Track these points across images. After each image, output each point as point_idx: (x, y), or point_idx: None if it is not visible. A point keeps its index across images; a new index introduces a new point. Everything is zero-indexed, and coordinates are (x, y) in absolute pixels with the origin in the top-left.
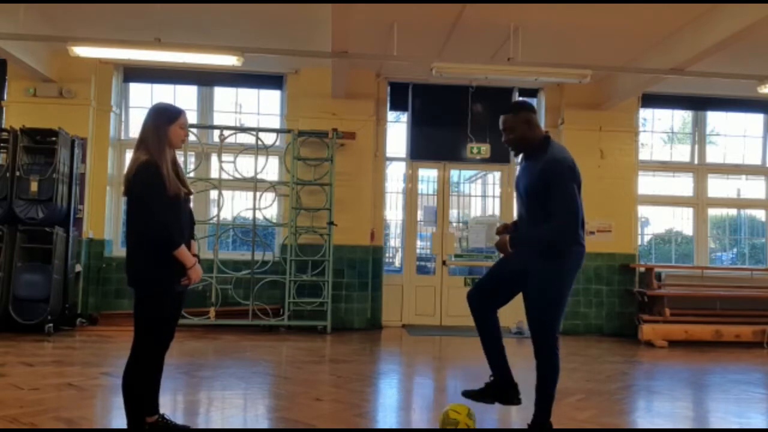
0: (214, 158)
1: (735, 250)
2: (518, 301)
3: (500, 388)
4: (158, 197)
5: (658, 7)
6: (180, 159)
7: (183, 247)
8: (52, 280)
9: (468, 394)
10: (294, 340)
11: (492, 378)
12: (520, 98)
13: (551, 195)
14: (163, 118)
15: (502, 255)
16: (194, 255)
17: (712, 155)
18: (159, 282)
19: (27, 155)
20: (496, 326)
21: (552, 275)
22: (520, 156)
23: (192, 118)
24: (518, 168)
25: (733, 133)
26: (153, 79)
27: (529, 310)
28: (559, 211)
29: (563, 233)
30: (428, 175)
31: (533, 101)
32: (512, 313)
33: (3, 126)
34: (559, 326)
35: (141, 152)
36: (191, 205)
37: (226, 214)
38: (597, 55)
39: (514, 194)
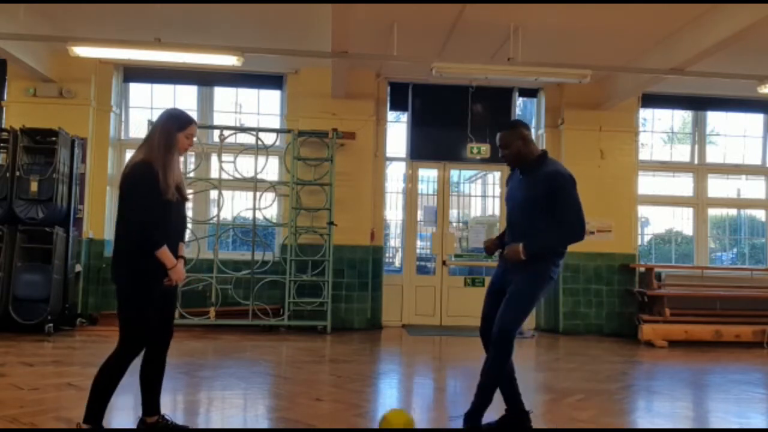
0: (214, 158)
1: (735, 250)
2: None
3: (514, 419)
4: (145, 197)
5: (658, 7)
6: (180, 159)
7: (165, 248)
8: (52, 280)
9: (486, 428)
10: (294, 340)
11: (506, 411)
12: (516, 119)
13: (557, 204)
14: (174, 124)
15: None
16: (180, 256)
17: (712, 155)
18: (141, 281)
19: (27, 155)
20: (510, 362)
21: (536, 275)
22: (516, 170)
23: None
24: (510, 182)
25: (733, 133)
26: (153, 79)
27: (506, 306)
28: (569, 216)
29: (575, 235)
30: (428, 175)
31: (533, 101)
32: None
33: (3, 126)
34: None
35: (140, 152)
36: (188, 208)
37: (226, 214)
38: (597, 55)
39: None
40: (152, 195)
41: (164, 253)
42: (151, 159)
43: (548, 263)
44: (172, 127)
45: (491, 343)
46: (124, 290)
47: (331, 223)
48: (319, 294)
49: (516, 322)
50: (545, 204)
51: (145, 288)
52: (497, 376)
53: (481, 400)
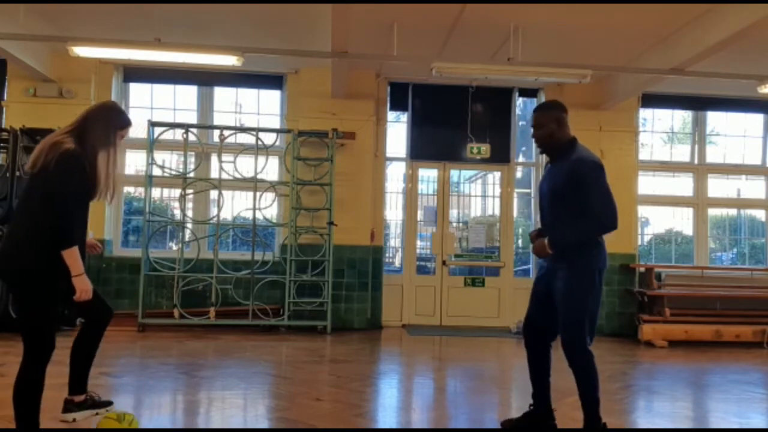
0: (214, 158)
1: (735, 250)
2: (516, 300)
3: (539, 418)
4: (75, 189)
5: (658, 7)
6: (180, 159)
7: (76, 250)
8: None
9: (507, 424)
10: (294, 340)
11: (531, 407)
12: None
13: (585, 193)
14: (118, 121)
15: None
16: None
17: (712, 155)
18: (49, 278)
19: (27, 155)
20: (547, 361)
21: (577, 274)
22: (546, 159)
23: (192, 118)
24: (543, 172)
25: (733, 133)
26: (153, 79)
27: (561, 321)
28: (595, 205)
29: (604, 225)
30: (428, 175)
31: (533, 101)
32: (512, 313)
33: (3, 126)
34: (587, 330)
35: (71, 138)
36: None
37: (226, 214)
38: (597, 55)
39: (537, 199)
40: (81, 189)
41: (74, 254)
42: (86, 152)
43: (586, 258)
44: (115, 124)
45: (569, 363)
46: (33, 290)
47: (331, 223)
48: (319, 294)
49: (577, 334)
50: (571, 194)
51: (56, 287)
52: (591, 384)
53: (590, 406)
